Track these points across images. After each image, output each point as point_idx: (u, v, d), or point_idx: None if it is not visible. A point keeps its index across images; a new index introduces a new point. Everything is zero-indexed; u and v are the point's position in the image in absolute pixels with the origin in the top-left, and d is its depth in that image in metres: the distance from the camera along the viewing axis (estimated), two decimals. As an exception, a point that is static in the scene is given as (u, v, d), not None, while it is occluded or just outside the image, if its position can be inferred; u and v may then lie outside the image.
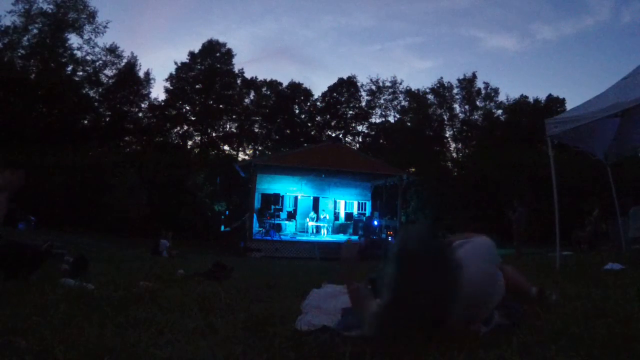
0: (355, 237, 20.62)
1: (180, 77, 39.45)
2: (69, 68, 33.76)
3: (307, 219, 22.89)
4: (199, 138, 40.58)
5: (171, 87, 39.22)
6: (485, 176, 32.82)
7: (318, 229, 22.58)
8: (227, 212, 32.02)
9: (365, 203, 25.47)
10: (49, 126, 29.13)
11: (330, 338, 2.11)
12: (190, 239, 23.22)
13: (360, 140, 44.62)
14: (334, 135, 43.15)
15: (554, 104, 42.12)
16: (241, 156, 40.77)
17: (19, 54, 31.66)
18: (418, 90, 44.25)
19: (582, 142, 7.87)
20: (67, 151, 26.07)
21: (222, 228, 28.57)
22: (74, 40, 34.54)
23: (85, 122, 34.82)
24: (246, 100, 42.54)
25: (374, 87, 44.81)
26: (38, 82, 29.99)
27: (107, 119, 36.05)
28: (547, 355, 1.83)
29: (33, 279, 4.15)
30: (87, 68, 34.54)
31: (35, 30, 32.00)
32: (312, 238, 21.02)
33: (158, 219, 25.12)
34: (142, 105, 38.47)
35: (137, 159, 31.52)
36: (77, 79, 33.95)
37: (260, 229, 21.09)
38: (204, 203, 31.97)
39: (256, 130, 42.58)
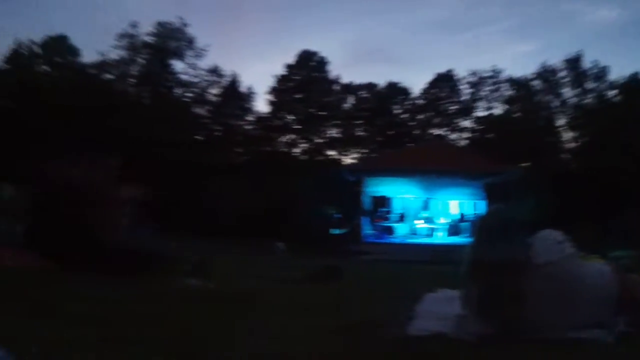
0: (470, 239, 19.81)
1: (280, 89, 40.94)
2: (178, 91, 37.43)
3: (419, 221, 22.31)
4: (305, 145, 41.82)
5: (273, 99, 40.85)
6: (607, 166, 29.67)
7: (430, 231, 21.96)
8: (336, 215, 32.43)
9: (478, 202, 24.25)
10: (165, 143, 31.92)
11: (443, 345, 2.08)
12: (301, 242, 23.83)
13: (466, 136, 42.74)
14: (438, 133, 41.83)
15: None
16: (347, 160, 41.14)
17: (130, 82, 35.91)
18: (522, 77, 41.10)
19: None
20: (184, 164, 28.41)
21: (332, 231, 28.96)
22: (178, 65, 37.88)
23: (198, 137, 37.72)
24: (345, 105, 42.92)
25: (474, 79, 42.62)
26: (151, 106, 33.55)
27: (218, 134, 38.77)
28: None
29: (157, 279, 4.51)
30: (194, 89, 37.95)
31: (141, 61, 36.21)
32: (424, 240, 20.53)
33: (270, 224, 26.27)
34: (248, 118, 40.70)
35: (248, 167, 33.42)
36: (186, 100, 37.49)
37: (371, 232, 21.07)
38: (313, 207, 32.74)
39: (359, 133, 42.75)
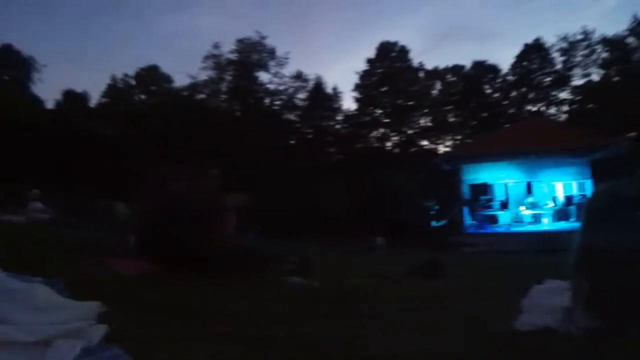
0: (578, 224, 18.14)
1: (365, 85, 40.70)
2: (267, 100, 39.30)
3: (523, 208, 20.91)
4: (397, 138, 41.31)
5: (360, 96, 40.72)
6: None
7: (536, 218, 20.51)
8: (435, 207, 31.73)
9: (584, 182, 22.13)
10: (261, 151, 33.23)
11: (552, 340, 1.93)
12: (400, 237, 23.60)
13: (565, 109, 39.28)
14: (534, 109, 38.87)
15: None
16: (442, 149, 40.01)
17: (222, 98, 38.57)
18: (615, 36, 36.61)
19: None
20: (280, 168, 29.54)
21: (433, 224, 28.32)
22: (263, 76, 39.66)
23: (292, 142, 38.99)
24: (433, 91, 41.67)
25: (564, 45, 38.89)
26: (243, 118, 35.71)
27: (310, 136, 39.75)
28: None
29: (263, 279, 4.68)
30: (282, 96, 39.56)
31: (228, 77, 38.61)
32: (530, 228, 19.22)
33: (369, 220, 26.31)
34: (338, 118, 41.19)
35: (342, 166, 33.80)
36: (275, 107, 39.29)
37: (473, 222, 20.23)
38: (411, 200, 32.31)
39: (451, 119, 41.31)
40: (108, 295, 2.38)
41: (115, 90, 41.70)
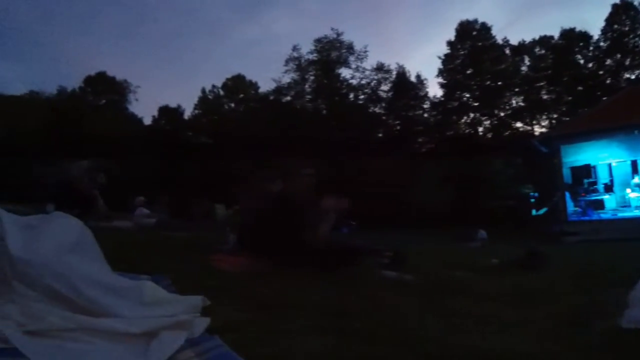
0: None
1: (449, 69, 39.43)
2: (351, 95, 39.66)
3: (628, 190, 18.94)
4: (488, 122, 39.55)
5: (444, 81, 39.55)
6: None
7: (643, 201, 18.47)
8: (535, 194, 30.08)
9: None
10: (349, 146, 33.50)
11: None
12: (499, 227, 22.66)
13: None
14: (632, 77, 35.14)
15: None
16: (537, 130, 37.69)
17: (307, 98, 39.59)
18: None
19: None
20: (370, 161, 29.72)
21: (533, 212, 26.82)
22: (345, 72, 39.92)
23: (380, 135, 38.72)
24: (522, 68, 39.31)
25: None
26: (330, 116, 36.69)
27: (398, 127, 39.27)
28: None
29: (357, 273, 4.76)
30: (366, 90, 39.66)
31: (311, 77, 39.39)
32: (637, 213, 17.48)
33: (465, 211, 25.51)
34: (424, 106, 40.45)
35: (433, 156, 33.13)
36: (360, 102, 39.51)
37: (576, 209, 18.79)
38: (507, 188, 30.89)
39: (544, 97, 38.65)
40: (211, 290, 2.56)
41: (206, 102, 44.50)
